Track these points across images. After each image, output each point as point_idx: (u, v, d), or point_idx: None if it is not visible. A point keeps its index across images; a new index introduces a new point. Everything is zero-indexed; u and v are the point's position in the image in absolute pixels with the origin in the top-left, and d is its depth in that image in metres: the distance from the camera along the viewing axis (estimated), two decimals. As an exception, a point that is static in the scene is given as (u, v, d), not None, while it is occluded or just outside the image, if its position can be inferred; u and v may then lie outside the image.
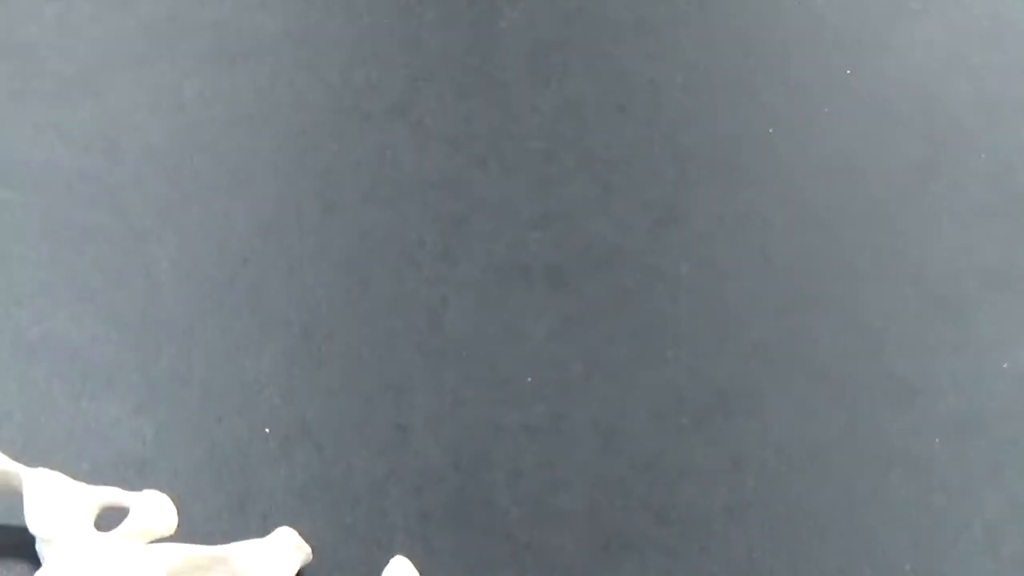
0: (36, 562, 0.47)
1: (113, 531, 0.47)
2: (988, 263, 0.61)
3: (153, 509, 0.48)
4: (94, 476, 0.50)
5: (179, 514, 0.49)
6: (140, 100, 0.66)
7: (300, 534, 0.48)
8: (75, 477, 0.48)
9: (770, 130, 0.66)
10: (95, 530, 0.47)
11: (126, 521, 0.47)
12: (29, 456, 0.50)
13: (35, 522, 0.46)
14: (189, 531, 0.49)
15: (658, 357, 0.57)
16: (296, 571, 0.48)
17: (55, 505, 0.46)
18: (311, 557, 0.49)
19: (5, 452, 0.49)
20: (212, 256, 0.59)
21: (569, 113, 0.66)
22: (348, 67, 0.67)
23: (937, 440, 0.54)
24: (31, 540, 0.47)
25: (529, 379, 0.56)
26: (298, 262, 0.59)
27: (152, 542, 0.47)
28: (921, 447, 0.54)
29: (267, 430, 0.53)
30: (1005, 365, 0.57)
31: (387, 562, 0.48)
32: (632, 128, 0.65)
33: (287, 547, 0.48)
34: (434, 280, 0.59)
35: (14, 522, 0.47)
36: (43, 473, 0.47)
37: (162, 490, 0.49)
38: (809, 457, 0.54)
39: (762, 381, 0.56)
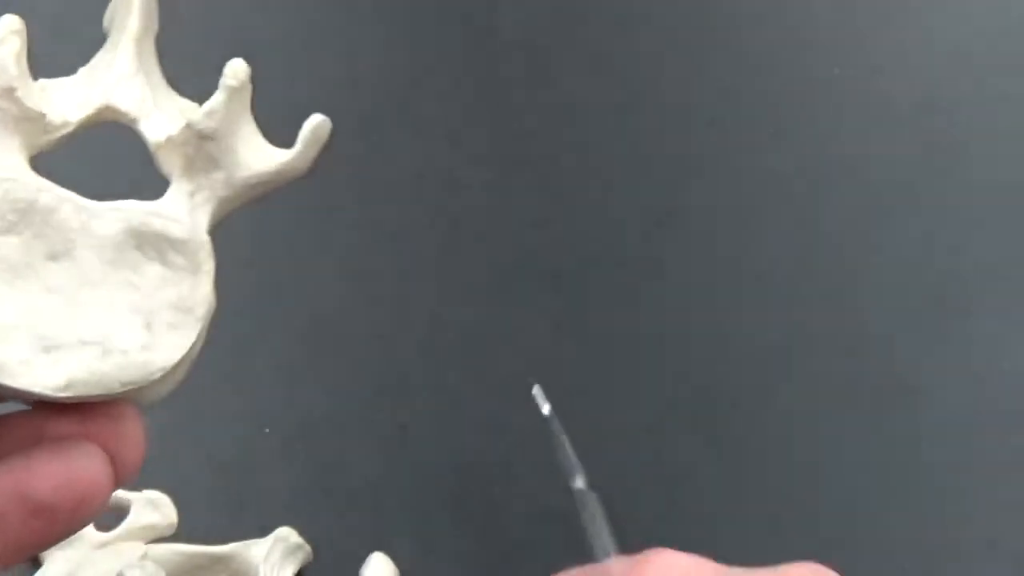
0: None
1: (113, 531, 0.47)
2: (988, 263, 0.61)
3: (153, 509, 0.48)
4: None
5: (179, 514, 0.49)
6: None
7: (300, 534, 0.48)
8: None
9: (769, 130, 0.66)
10: (95, 530, 0.47)
11: (126, 521, 0.47)
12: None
13: None
14: (189, 531, 0.49)
15: (657, 357, 0.57)
16: (296, 571, 0.48)
17: None
18: (311, 557, 0.49)
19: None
20: (212, 256, 0.59)
21: (569, 113, 0.66)
22: (348, 67, 0.67)
23: (937, 440, 0.54)
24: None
25: (529, 379, 0.55)
26: (298, 262, 0.59)
27: (152, 542, 0.47)
28: (921, 447, 0.54)
29: (267, 430, 0.53)
30: (1005, 365, 0.57)
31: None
32: (632, 128, 0.65)
33: (287, 547, 0.48)
34: (434, 280, 0.59)
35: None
36: None
37: (162, 490, 0.49)
38: (809, 457, 0.54)
39: (762, 381, 0.56)
